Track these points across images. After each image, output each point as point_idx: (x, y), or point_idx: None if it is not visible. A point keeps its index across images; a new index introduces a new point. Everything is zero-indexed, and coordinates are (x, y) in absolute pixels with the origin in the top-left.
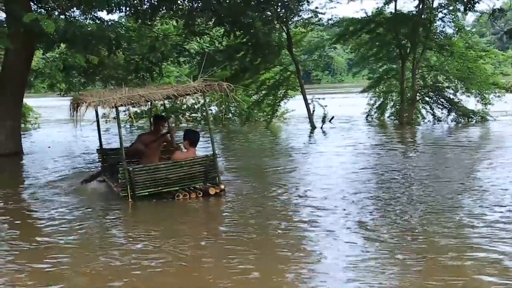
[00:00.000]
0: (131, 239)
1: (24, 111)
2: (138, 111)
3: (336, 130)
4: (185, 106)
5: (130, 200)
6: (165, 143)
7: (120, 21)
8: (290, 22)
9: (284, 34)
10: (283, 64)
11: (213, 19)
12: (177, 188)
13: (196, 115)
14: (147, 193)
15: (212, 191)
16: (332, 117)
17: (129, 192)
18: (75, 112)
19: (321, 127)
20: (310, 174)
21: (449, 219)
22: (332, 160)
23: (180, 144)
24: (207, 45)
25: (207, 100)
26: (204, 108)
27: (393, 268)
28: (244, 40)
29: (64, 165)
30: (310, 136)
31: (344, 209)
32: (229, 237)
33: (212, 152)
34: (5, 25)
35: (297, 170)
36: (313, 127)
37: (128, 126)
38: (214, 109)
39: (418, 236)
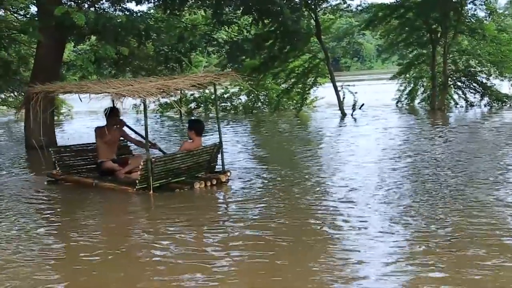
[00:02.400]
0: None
1: (57, 103)
2: (168, 101)
3: (366, 117)
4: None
5: (150, 192)
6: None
7: (149, 12)
8: (318, 9)
9: (312, 21)
10: (312, 52)
11: (241, 8)
12: (184, 178)
13: (226, 104)
14: (158, 184)
15: (223, 178)
16: (362, 104)
17: (151, 183)
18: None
19: (352, 114)
20: (341, 162)
21: (487, 208)
22: (364, 146)
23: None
24: (235, 34)
25: (236, 89)
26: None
27: (430, 258)
28: (273, 28)
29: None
30: (340, 124)
31: (378, 197)
32: (260, 223)
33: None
34: (36, 18)
35: (327, 158)
36: (343, 115)
37: (158, 116)
38: (243, 98)
39: (447, 224)
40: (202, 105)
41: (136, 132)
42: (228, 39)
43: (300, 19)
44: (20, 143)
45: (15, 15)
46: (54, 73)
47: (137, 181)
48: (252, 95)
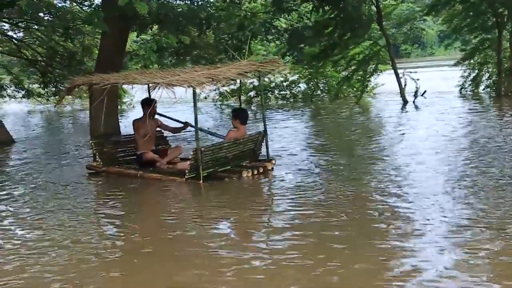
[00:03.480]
0: None
1: (120, 93)
2: (228, 90)
3: (429, 104)
4: (273, 84)
5: (200, 181)
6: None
7: (209, 0)
8: None
9: (373, 7)
10: (372, 38)
11: None
12: (229, 166)
13: (285, 92)
14: (206, 173)
15: (269, 166)
16: (425, 91)
17: (201, 173)
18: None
19: (413, 102)
20: (404, 150)
21: None
22: (426, 134)
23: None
24: (295, 21)
25: (296, 77)
26: (292, 86)
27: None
28: (333, 15)
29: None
30: (402, 111)
31: (445, 188)
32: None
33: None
34: (101, 9)
35: (388, 146)
36: (405, 102)
37: (219, 105)
38: (302, 86)
39: None
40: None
41: (171, 119)
42: (288, 27)
43: (361, 5)
44: (86, 132)
45: (80, 6)
46: (117, 63)
47: (186, 171)
48: (312, 83)
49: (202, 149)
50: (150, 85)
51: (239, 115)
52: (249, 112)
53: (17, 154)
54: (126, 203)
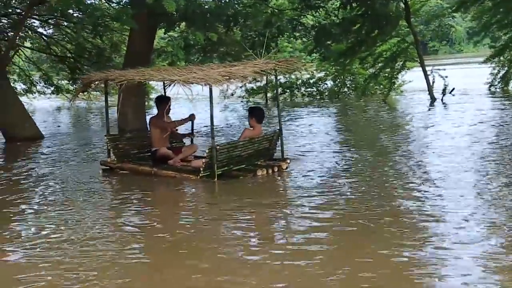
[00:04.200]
0: None
1: (148, 90)
2: (255, 87)
3: (457, 102)
4: (300, 81)
5: (215, 179)
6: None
7: None
8: None
9: (401, 4)
10: (400, 35)
11: None
12: (244, 165)
13: (312, 89)
14: (220, 172)
15: (284, 165)
16: (453, 89)
17: (216, 171)
18: None
19: (442, 99)
20: (429, 148)
21: None
22: (454, 132)
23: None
24: (322, 18)
25: (323, 74)
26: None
27: None
28: (360, 11)
29: None
30: (430, 109)
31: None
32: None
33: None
34: (129, 6)
35: (415, 143)
36: (433, 99)
37: (245, 102)
38: (329, 83)
39: None
40: (287, 90)
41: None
42: (315, 24)
43: (388, 2)
44: (113, 128)
45: (109, 3)
46: (146, 60)
47: (201, 168)
48: (338, 80)
49: (218, 147)
50: (166, 82)
51: (256, 114)
52: (275, 109)
53: (44, 149)
54: (140, 200)
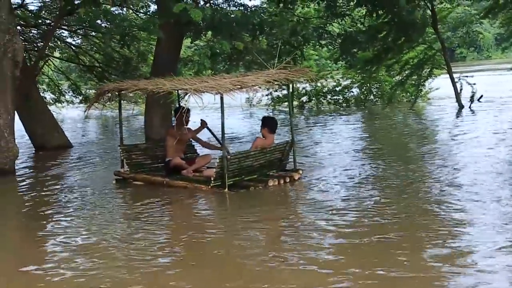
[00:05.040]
0: None
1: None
2: (280, 95)
3: (486, 109)
4: (326, 89)
5: (225, 189)
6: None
7: (262, 6)
8: None
9: (428, 11)
10: (427, 42)
11: (355, 0)
12: (256, 175)
13: (338, 97)
14: (232, 182)
15: (296, 176)
16: (481, 96)
17: (226, 181)
18: None
19: (469, 107)
20: (460, 157)
21: None
22: (483, 140)
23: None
24: (348, 26)
25: (348, 82)
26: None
27: None
28: (387, 19)
29: None
30: (458, 116)
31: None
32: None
33: (291, 138)
34: (156, 16)
35: (445, 153)
36: (460, 107)
37: (271, 111)
38: (355, 91)
39: None
40: (313, 98)
41: (211, 132)
42: (340, 32)
43: (415, 9)
44: (141, 135)
45: (136, 13)
46: (172, 69)
47: (212, 179)
48: (365, 87)
49: (228, 157)
50: (181, 92)
51: (268, 124)
52: (301, 117)
53: (70, 157)
54: (149, 211)
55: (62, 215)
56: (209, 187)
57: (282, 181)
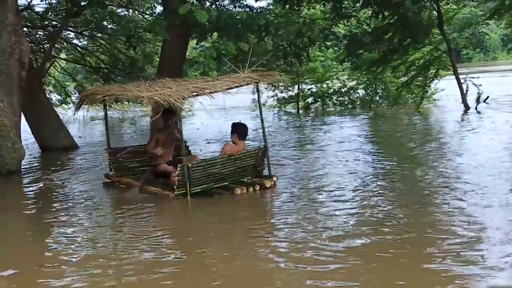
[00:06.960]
0: None
1: None
2: (286, 96)
3: (491, 110)
4: (331, 90)
5: (189, 197)
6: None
7: (268, 7)
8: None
9: (434, 12)
10: (433, 43)
11: (361, 1)
12: (227, 183)
13: (344, 98)
14: (199, 189)
15: (268, 183)
16: (487, 97)
17: (188, 189)
18: None
19: (476, 108)
20: (466, 159)
21: None
22: (489, 142)
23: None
24: (354, 27)
25: (354, 83)
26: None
27: None
28: (393, 20)
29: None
30: (463, 118)
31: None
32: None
33: (263, 145)
34: (162, 17)
35: (451, 155)
36: (466, 108)
37: (276, 112)
38: (361, 92)
39: None
40: (319, 99)
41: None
42: (346, 33)
43: (421, 10)
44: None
45: (142, 14)
46: (178, 70)
47: (175, 186)
48: (370, 89)
49: (189, 165)
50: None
51: (238, 130)
52: (306, 118)
53: (76, 159)
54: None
55: (62, 215)
56: (173, 195)
57: (251, 189)
